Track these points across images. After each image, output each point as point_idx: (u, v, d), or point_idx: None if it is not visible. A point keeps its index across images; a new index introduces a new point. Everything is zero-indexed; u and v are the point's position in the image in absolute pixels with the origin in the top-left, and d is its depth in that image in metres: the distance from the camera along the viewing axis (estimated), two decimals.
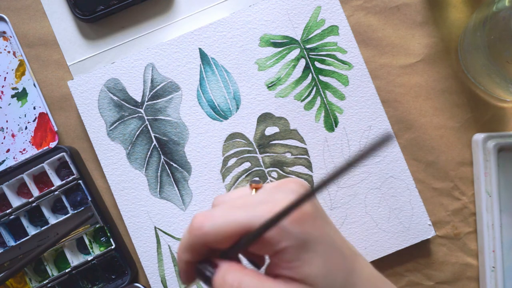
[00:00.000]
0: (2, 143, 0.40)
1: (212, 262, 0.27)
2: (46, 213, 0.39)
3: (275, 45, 0.40)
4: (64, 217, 0.39)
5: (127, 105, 0.40)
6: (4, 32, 0.41)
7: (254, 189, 0.31)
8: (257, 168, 0.39)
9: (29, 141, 0.40)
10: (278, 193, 0.28)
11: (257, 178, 0.33)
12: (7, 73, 0.41)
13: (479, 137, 0.39)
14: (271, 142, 0.40)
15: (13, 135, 0.40)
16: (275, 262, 0.27)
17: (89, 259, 0.39)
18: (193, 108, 0.40)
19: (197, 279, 0.27)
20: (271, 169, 0.39)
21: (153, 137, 0.40)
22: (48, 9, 0.41)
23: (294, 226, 0.26)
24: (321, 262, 0.27)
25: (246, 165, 0.39)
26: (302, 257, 0.27)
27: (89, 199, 0.39)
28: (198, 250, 0.26)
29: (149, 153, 0.40)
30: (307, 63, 0.40)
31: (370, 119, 0.39)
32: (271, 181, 0.39)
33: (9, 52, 0.41)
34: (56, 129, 0.40)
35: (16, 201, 0.39)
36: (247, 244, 0.26)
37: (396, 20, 0.41)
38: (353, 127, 0.39)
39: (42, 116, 0.40)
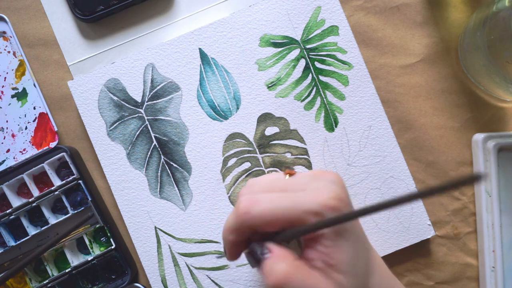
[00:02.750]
0: (2, 143, 0.40)
1: (263, 245, 0.29)
2: (46, 213, 0.39)
3: (275, 45, 0.40)
4: (64, 217, 0.39)
5: (127, 105, 0.40)
6: (4, 32, 0.41)
7: (287, 175, 0.32)
8: (257, 168, 0.39)
9: (29, 141, 0.40)
10: (318, 181, 0.29)
11: (291, 166, 0.34)
12: (7, 73, 0.41)
13: (479, 137, 0.39)
14: (271, 142, 0.40)
15: (13, 135, 0.40)
16: (311, 246, 0.28)
17: (89, 259, 0.39)
18: (193, 108, 0.40)
19: (245, 257, 0.30)
20: (271, 169, 0.39)
21: (153, 137, 0.40)
22: (48, 9, 0.41)
23: (333, 214, 0.28)
24: (351, 251, 0.28)
25: (246, 165, 0.39)
26: (337, 243, 0.28)
27: (89, 199, 0.39)
28: (243, 232, 0.29)
29: (149, 153, 0.40)
30: (307, 63, 0.40)
31: (370, 119, 0.39)
32: None
33: (9, 52, 0.41)
34: (56, 129, 0.40)
35: (16, 201, 0.39)
36: (298, 236, 0.28)
37: (396, 20, 0.41)
38: (353, 127, 0.39)
39: (42, 116, 0.40)
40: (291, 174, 0.32)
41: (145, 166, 0.40)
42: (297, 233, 0.28)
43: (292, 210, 0.28)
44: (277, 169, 0.39)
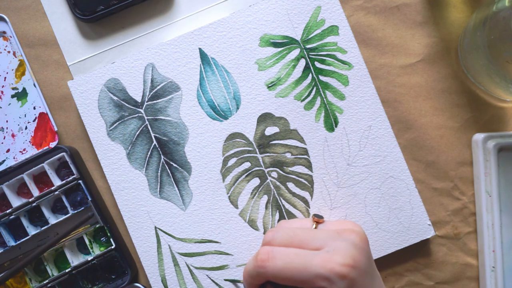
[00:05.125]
0: (2, 143, 0.40)
1: None
2: (46, 213, 0.39)
3: (275, 45, 0.40)
4: (64, 217, 0.39)
5: (127, 105, 0.40)
6: (4, 32, 0.41)
7: (315, 223, 0.34)
8: (257, 168, 0.39)
9: (29, 141, 0.40)
10: (339, 241, 0.31)
11: (319, 214, 0.37)
12: (7, 73, 0.41)
13: (479, 137, 0.39)
14: (271, 142, 0.40)
15: (13, 135, 0.40)
16: None
17: (89, 259, 0.39)
18: (193, 108, 0.40)
19: None
20: (271, 169, 0.39)
21: (153, 137, 0.40)
22: (48, 9, 0.41)
23: (344, 283, 0.28)
24: None
25: (246, 165, 0.39)
26: None
27: (89, 199, 0.39)
28: (259, 279, 0.31)
29: (149, 153, 0.40)
30: (307, 63, 0.40)
31: (370, 119, 0.39)
32: (271, 181, 0.39)
33: (9, 52, 0.41)
34: (56, 129, 0.40)
35: (16, 201, 0.39)
36: None
37: (396, 20, 0.41)
38: (353, 127, 0.39)
39: (42, 116, 0.40)
40: (318, 223, 0.34)
41: (145, 166, 0.40)
42: None
43: (303, 272, 0.29)
44: (277, 169, 0.39)
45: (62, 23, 0.41)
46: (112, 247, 0.39)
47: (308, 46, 0.40)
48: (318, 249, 0.30)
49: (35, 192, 0.39)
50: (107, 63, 0.41)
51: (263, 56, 0.40)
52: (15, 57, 0.41)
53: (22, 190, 0.40)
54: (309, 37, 0.40)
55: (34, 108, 0.40)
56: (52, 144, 0.40)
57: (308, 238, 0.31)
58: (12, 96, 0.41)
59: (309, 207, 0.39)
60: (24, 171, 0.39)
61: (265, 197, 0.39)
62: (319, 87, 0.40)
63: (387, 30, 0.41)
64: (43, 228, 0.39)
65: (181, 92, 0.40)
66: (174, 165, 0.40)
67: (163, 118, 0.40)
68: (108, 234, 0.39)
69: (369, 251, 0.32)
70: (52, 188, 0.39)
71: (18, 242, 0.39)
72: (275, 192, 0.39)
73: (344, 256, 0.29)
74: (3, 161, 0.40)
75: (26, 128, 0.40)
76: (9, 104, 0.41)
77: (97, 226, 0.40)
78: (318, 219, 0.34)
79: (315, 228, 0.34)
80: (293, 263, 0.29)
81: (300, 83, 0.40)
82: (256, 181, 0.39)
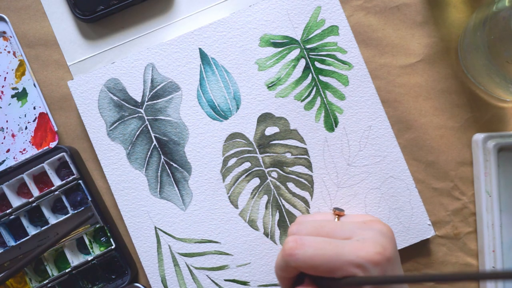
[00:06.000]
0: (2, 143, 0.40)
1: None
2: (46, 213, 0.39)
3: (275, 45, 0.40)
4: (64, 217, 0.39)
5: (127, 105, 0.40)
6: (4, 32, 0.41)
7: (336, 216, 0.34)
8: (257, 168, 0.39)
9: (29, 141, 0.40)
10: (366, 230, 0.30)
11: (340, 207, 0.37)
12: (7, 73, 0.41)
13: (479, 137, 0.39)
14: (271, 142, 0.40)
15: (13, 135, 0.40)
16: None
17: (89, 259, 0.39)
18: (193, 108, 0.40)
19: None
20: (271, 169, 0.39)
21: (153, 137, 0.40)
22: (48, 9, 0.41)
23: (376, 270, 0.28)
24: None
25: (246, 165, 0.39)
26: None
27: (89, 199, 0.39)
28: (290, 270, 0.30)
29: (149, 153, 0.40)
30: (307, 63, 0.40)
31: (370, 119, 0.39)
32: (271, 181, 0.39)
33: (9, 52, 0.41)
34: (56, 129, 0.40)
35: (16, 201, 0.39)
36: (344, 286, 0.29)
37: (396, 20, 0.41)
38: (353, 127, 0.39)
39: (42, 116, 0.40)
40: (340, 216, 0.34)
41: (145, 166, 0.40)
42: (338, 284, 0.28)
43: (335, 259, 0.28)
44: (277, 169, 0.39)
45: (62, 23, 0.41)
46: (112, 247, 0.39)
47: (308, 46, 0.40)
48: (347, 239, 0.30)
49: (35, 192, 0.39)
50: (107, 63, 0.41)
51: (263, 56, 0.40)
52: (15, 57, 0.41)
53: (22, 190, 0.40)
54: (309, 37, 0.40)
55: (34, 108, 0.40)
56: (52, 144, 0.40)
57: (335, 229, 0.31)
58: (12, 96, 0.41)
59: (309, 207, 0.39)
60: (24, 171, 0.39)
61: (265, 197, 0.39)
62: (319, 87, 0.40)
63: (387, 30, 0.41)
64: (43, 228, 0.39)
65: (181, 92, 0.40)
66: (174, 165, 0.40)
67: (163, 118, 0.40)
68: (108, 234, 0.39)
69: (395, 240, 0.32)
70: (52, 188, 0.39)
71: (18, 242, 0.39)
72: (275, 192, 0.39)
73: (375, 244, 0.29)
74: (3, 161, 0.40)
75: (26, 128, 0.40)
76: (9, 104, 0.41)
77: (97, 226, 0.40)
78: (339, 212, 0.34)
79: (338, 220, 0.34)
80: (324, 250, 0.29)
81: (300, 83, 0.40)
82: (256, 181, 0.39)
